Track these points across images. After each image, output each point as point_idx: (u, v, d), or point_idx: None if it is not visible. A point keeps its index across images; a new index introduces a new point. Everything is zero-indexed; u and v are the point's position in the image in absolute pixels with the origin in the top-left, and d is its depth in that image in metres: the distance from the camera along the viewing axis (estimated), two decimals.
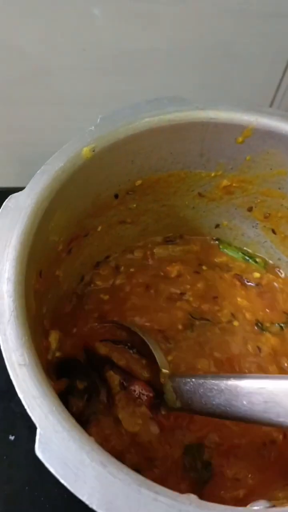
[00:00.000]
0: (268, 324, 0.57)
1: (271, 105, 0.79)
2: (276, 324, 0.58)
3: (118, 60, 0.66)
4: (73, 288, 0.57)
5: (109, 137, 0.44)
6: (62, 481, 0.29)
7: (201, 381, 0.44)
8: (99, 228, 0.54)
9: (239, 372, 0.55)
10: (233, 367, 0.55)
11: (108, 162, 0.46)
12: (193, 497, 0.30)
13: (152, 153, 0.49)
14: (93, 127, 0.44)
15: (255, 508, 0.31)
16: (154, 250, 0.61)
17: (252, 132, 0.48)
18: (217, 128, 0.49)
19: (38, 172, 0.41)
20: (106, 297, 0.57)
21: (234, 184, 0.55)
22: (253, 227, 0.60)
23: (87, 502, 0.29)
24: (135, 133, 0.46)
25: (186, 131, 0.48)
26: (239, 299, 0.60)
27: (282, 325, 0.58)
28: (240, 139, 0.49)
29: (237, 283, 0.61)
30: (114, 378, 0.50)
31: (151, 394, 0.48)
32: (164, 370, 0.49)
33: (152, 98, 0.47)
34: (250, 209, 0.58)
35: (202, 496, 0.48)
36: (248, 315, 0.59)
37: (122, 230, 0.58)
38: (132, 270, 0.59)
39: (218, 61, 0.70)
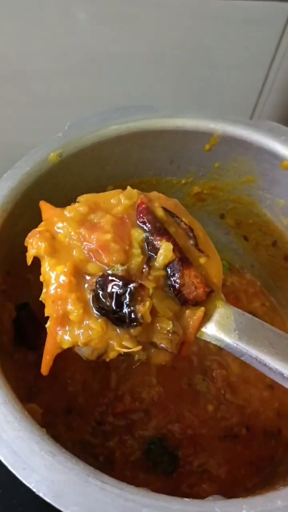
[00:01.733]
0: None
1: (253, 111, 0.82)
2: None
3: (97, 64, 0.68)
4: None
5: (76, 143, 0.46)
6: (10, 468, 0.29)
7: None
8: None
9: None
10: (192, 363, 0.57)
11: (76, 168, 0.48)
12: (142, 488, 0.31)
13: (121, 160, 0.51)
14: (61, 134, 0.46)
15: (204, 500, 0.31)
16: None
17: (219, 140, 0.50)
18: (185, 136, 0.50)
19: (4, 176, 0.43)
20: None
21: (205, 191, 0.56)
22: (225, 234, 0.61)
23: (34, 490, 0.29)
24: (102, 140, 0.47)
25: (154, 138, 0.50)
26: None
27: None
28: (207, 146, 0.51)
29: None
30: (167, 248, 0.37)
31: (207, 289, 0.38)
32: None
33: (122, 105, 0.49)
34: (222, 216, 0.59)
35: (165, 488, 0.49)
36: None
37: None
38: None
39: (198, 67, 0.72)
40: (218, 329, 0.38)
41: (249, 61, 0.74)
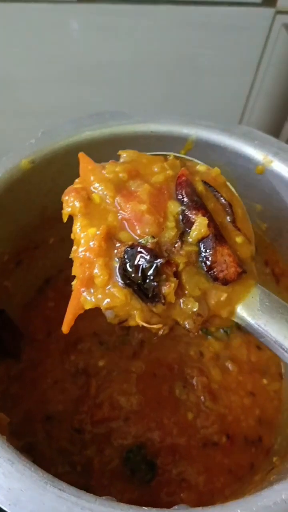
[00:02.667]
0: (213, 330, 0.58)
1: (241, 116, 0.82)
2: (221, 330, 0.59)
3: (85, 72, 0.68)
4: (28, 300, 0.58)
5: (48, 149, 0.46)
6: None
7: None
8: (51, 241, 0.55)
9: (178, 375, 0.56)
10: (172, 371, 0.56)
11: (50, 174, 0.48)
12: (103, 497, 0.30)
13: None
14: (33, 140, 0.46)
15: (166, 510, 0.31)
16: None
17: (193, 145, 0.50)
18: (160, 141, 0.50)
19: None
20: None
21: None
22: None
23: None
24: (75, 146, 0.47)
25: (128, 144, 0.49)
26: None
27: (227, 330, 0.59)
28: (182, 152, 0.51)
29: None
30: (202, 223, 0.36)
31: (239, 269, 0.36)
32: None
33: (94, 112, 0.49)
34: None
35: (143, 497, 0.49)
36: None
37: None
38: None
39: (185, 74, 0.72)
40: (242, 307, 0.36)
41: (236, 67, 0.74)
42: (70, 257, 0.35)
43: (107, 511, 0.29)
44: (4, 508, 0.28)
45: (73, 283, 0.34)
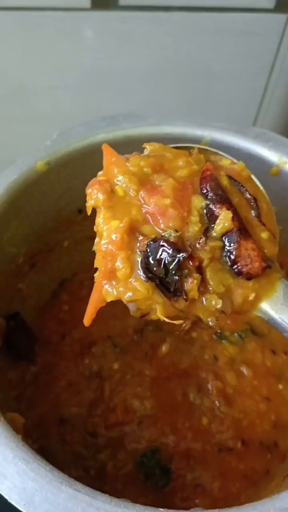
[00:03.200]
0: (227, 334, 0.58)
1: (255, 121, 0.82)
2: (236, 334, 0.59)
3: (99, 78, 0.69)
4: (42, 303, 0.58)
5: (64, 151, 0.46)
6: None
7: None
8: (66, 244, 0.55)
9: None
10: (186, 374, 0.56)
11: (65, 176, 0.48)
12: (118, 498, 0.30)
13: None
14: (49, 142, 0.46)
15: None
16: None
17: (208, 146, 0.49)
18: (174, 143, 0.50)
19: None
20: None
21: None
22: None
23: (6, 497, 0.29)
24: (90, 148, 0.47)
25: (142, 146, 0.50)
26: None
27: (242, 334, 0.58)
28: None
29: None
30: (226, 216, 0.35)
31: (264, 264, 0.35)
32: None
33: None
34: None
35: (157, 502, 0.48)
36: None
37: (92, 245, 0.59)
38: None
39: (199, 79, 0.73)
40: (265, 302, 0.36)
41: (249, 72, 0.74)
42: (92, 249, 0.35)
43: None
44: (19, 508, 0.28)
45: (95, 275, 0.34)
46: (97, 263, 0.34)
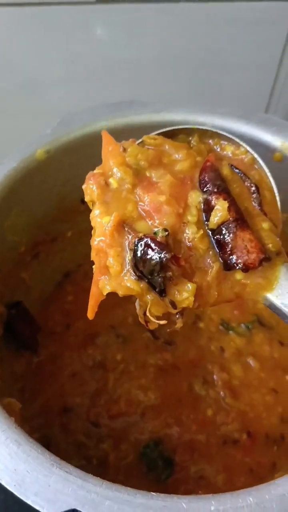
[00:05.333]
0: (234, 325, 0.57)
1: (266, 109, 0.81)
2: (243, 325, 0.58)
3: (108, 70, 0.69)
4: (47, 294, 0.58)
5: (64, 139, 0.46)
6: None
7: None
8: (69, 234, 0.55)
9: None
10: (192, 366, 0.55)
11: (67, 164, 0.48)
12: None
13: None
14: (49, 130, 0.46)
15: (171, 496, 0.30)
16: None
17: (210, 133, 0.49)
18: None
19: None
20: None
21: None
22: None
23: None
24: (91, 136, 0.47)
25: (144, 133, 0.49)
26: None
27: (249, 325, 0.58)
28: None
29: None
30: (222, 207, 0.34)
31: (261, 255, 0.34)
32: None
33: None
34: None
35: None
36: (213, 316, 0.59)
37: None
38: None
39: (210, 69, 0.72)
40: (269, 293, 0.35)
41: (259, 61, 0.74)
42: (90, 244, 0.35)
43: (113, 495, 0.28)
44: (9, 489, 0.28)
45: (93, 267, 0.34)
46: (92, 257, 0.34)
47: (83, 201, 0.53)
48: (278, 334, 0.59)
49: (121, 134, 0.49)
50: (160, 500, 0.28)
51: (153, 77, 0.72)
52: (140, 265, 0.32)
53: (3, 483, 0.28)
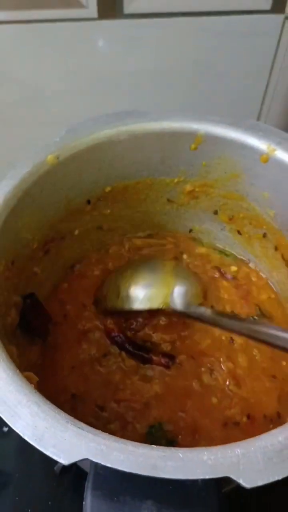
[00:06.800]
0: (243, 317, 0.61)
1: (258, 118, 0.86)
2: (250, 317, 0.62)
3: (108, 82, 0.74)
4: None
5: (71, 146, 0.51)
6: (1, 415, 0.34)
7: None
8: (76, 232, 0.60)
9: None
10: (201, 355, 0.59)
11: (74, 169, 0.53)
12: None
13: (115, 162, 0.56)
14: (58, 138, 0.51)
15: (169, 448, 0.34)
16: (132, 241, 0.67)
17: (203, 139, 0.54)
18: (172, 137, 0.55)
19: (7, 175, 0.48)
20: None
21: (197, 189, 0.60)
22: (221, 229, 0.65)
23: (20, 434, 0.33)
24: (95, 143, 0.52)
25: (144, 141, 0.55)
26: (221, 290, 0.64)
27: (255, 318, 0.62)
28: (193, 146, 0.55)
29: (217, 274, 0.65)
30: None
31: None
32: None
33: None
34: (215, 212, 0.63)
35: None
36: (227, 307, 0.63)
37: (102, 235, 0.64)
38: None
39: (204, 79, 0.77)
40: None
41: (250, 71, 0.78)
42: None
43: (120, 446, 0.33)
44: (31, 442, 0.33)
45: None
46: None
47: (88, 202, 0.59)
48: (277, 323, 0.63)
49: (122, 141, 0.54)
50: (160, 451, 0.33)
51: (151, 88, 0.77)
52: None
53: (26, 438, 0.33)
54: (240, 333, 0.47)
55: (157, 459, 0.32)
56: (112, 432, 0.54)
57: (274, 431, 0.35)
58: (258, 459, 0.33)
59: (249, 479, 0.32)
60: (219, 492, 0.33)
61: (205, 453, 0.33)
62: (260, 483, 0.32)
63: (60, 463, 0.32)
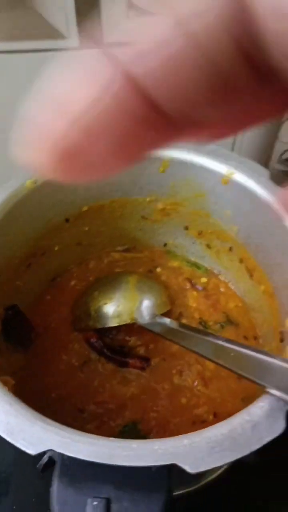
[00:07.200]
0: (211, 323, 0.66)
1: (232, 148, 0.90)
2: (218, 324, 0.67)
3: None
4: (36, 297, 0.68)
5: None
6: None
7: None
8: (56, 248, 0.66)
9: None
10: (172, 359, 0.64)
11: (51, 192, 0.58)
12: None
13: (90, 184, 0.61)
14: None
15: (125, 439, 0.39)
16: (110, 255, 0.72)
17: (169, 164, 0.59)
18: (140, 163, 0.60)
19: None
20: None
21: (167, 207, 0.65)
22: (193, 243, 0.70)
23: None
24: None
25: None
26: (190, 300, 0.69)
27: (223, 324, 0.67)
28: (161, 169, 0.60)
29: (188, 285, 0.70)
30: None
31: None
32: None
33: None
34: (186, 228, 0.68)
35: None
36: (196, 315, 0.68)
37: (81, 250, 0.70)
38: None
39: None
40: None
41: None
42: None
43: (82, 439, 0.38)
44: (3, 436, 0.38)
45: None
46: None
47: (67, 220, 0.64)
48: (243, 330, 0.68)
49: None
50: (116, 442, 0.38)
51: None
52: None
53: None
54: (200, 355, 0.51)
55: (114, 449, 0.37)
56: (89, 431, 0.61)
57: (220, 424, 0.40)
58: (202, 448, 0.38)
59: (193, 466, 0.37)
60: (169, 477, 0.38)
61: (157, 443, 0.38)
62: (202, 469, 0.36)
63: (42, 461, 0.37)
